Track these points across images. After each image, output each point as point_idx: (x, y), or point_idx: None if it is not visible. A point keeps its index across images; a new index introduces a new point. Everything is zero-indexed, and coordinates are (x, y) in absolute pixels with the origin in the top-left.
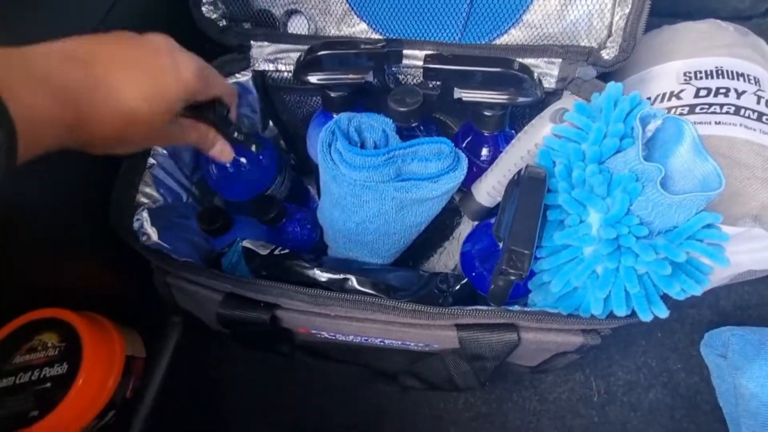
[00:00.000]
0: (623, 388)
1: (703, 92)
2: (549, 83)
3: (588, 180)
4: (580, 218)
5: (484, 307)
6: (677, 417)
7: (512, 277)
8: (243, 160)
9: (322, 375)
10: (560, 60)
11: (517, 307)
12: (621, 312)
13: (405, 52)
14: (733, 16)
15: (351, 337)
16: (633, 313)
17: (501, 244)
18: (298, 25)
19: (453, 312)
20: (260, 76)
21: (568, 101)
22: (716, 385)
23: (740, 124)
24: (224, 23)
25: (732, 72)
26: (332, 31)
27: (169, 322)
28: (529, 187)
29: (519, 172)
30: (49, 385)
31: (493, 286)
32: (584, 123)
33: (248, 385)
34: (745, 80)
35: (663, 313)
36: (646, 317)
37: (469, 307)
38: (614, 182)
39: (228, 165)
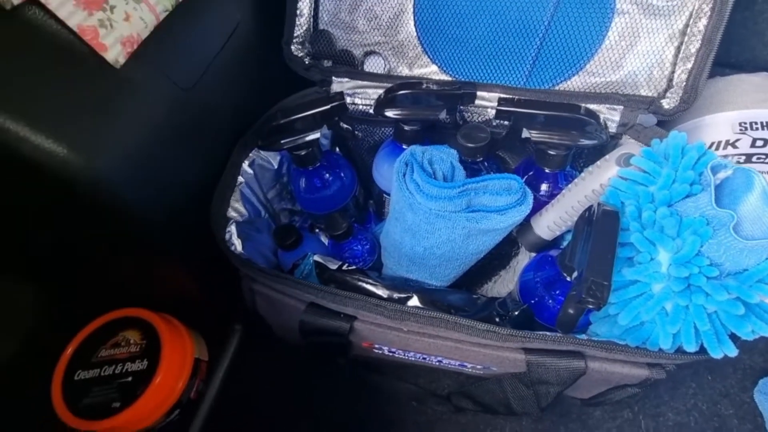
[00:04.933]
0: (673, 429)
1: (759, 143)
2: (610, 128)
3: (659, 221)
4: (651, 256)
5: (553, 334)
6: None
7: (590, 306)
8: (328, 176)
9: (375, 390)
10: (622, 107)
11: (585, 336)
12: (690, 348)
13: (481, 93)
14: None
15: (410, 355)
16: (701, 350)
17: (575, 274)
18: (374, 64)
19: (524, 335)
20: None
21: (633, 147)
22: None
23: None
24: (309, 61)
25: None
26: (405, 71)
27: (231, 329)
28: (604, 222)
29: (590, 209)
30: (130, 379)
31: (562, 314)
32: (651, 168)
33: (301, 395)
34: None
35: (732, 351)
36: (716, 354)
37: (539, 332)
38: (684, 224)
39: (316, 180)
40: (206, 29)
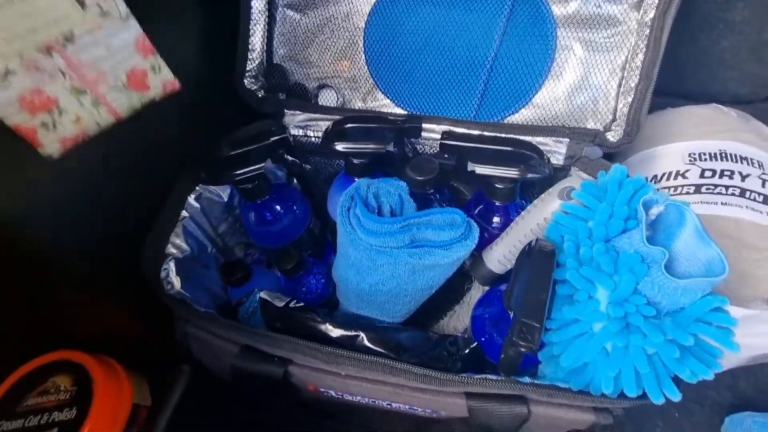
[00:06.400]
0: None
1: (708, 173)
2: (557, 160)
3: (595, 258)
4: (589, 294)
5: (494, 377)
6: None
7: (522, 349)
8: (279, 209)
9: None
10: (568, 140)
11: (527, 379)
12: (631, 392)
13: (423, 126)
14: (734, 101)
15: (359, 398)
16: (644, 394)
17: (512, 315)
18: (327, 98)
19: (462, 380)
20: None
21: (575, 180)
22: None
23: (746, 206)
24: (262, 94)
25: (736, 155)
26: (358, 104)
27: (177, 370)
28: (539, 261)
29: (530, 243)
30: (56, 430)
31: (503, 356)
32: (590, 201)
33: None
34: (749, 164)
35: (675, 395)
36: (657, 399)
37: (479, 376)
38: (621, 261)
39: (267, 213)
40: None
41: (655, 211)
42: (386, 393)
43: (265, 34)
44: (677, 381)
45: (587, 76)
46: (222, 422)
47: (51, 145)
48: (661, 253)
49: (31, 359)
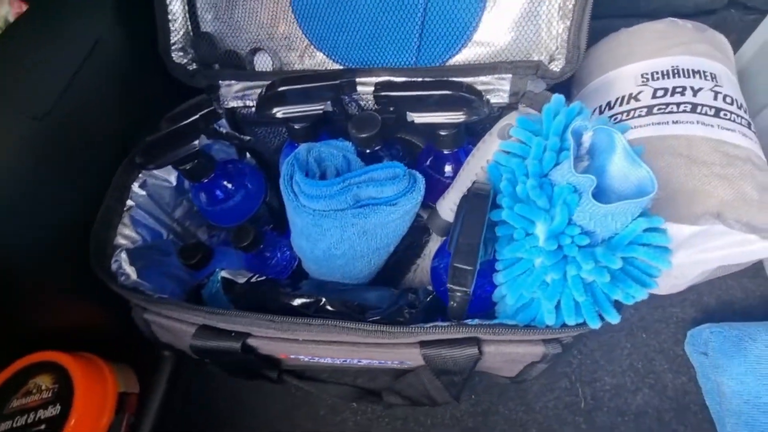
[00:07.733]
0: (610, 393)
1: (660, 92)
2: (502, 98)
3: (530, 194)
4: (526, 231)
5: (444, 323)
6: (666, 419)
7: (458, 294)
8: (230, 186)
9: (311, 398)
10: (510, 75)
11: (476, 321)
12: (570, 320)
13: (362, 79)
14: (696, 12)
15: (329, 360)
16: (585, 322)
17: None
18: (263, 63)
19: (414, 330)
20: (231, 113)
21: (512, 117)
22: (702, 384)
23: (697, 122)
24: (194, 67)
25: (688, 70)
26: (296, 65)
27: (160, 357)
28: (473, 203)
29: (469, 189)
30: (43, 427)
31: (450, 302)
32: (527, 137)
33: (240, 414)
34: (701, 77)
35: (614, 318)
36: (594, 324)
37: (429, 324)
38: (556, 195)
39: (217, 192)
40: (54, 50)
41: (586, 137)
42: (348, 352)
43: (185, 0)
44: (620, 304)
45: (526, 5)
46: (210, 398)
47: None
48: (589, 180)
49: (9, 364)
